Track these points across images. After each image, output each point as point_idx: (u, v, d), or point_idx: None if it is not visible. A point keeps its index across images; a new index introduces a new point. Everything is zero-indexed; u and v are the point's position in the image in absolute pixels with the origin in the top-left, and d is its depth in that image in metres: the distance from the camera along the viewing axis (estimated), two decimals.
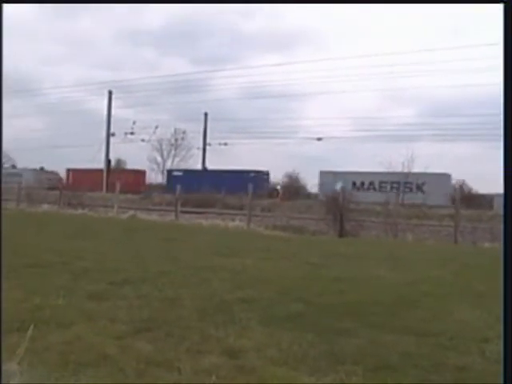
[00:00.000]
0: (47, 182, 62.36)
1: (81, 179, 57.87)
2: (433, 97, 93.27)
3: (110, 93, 67.87)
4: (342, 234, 22.41)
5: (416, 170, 45.18)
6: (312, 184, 58.29)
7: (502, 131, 3.70)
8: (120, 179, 37.07)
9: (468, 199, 42.64)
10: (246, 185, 26.11)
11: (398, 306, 7.43)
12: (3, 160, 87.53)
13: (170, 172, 67.33)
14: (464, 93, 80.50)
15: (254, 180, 41.28)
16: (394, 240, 21.26)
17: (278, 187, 58.06)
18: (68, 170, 69.40)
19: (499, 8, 3.84)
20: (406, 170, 40.35)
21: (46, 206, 31.37)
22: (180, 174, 62.49)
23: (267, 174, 60.02)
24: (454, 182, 51.92)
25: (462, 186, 53.02)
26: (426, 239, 21.88)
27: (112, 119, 68.12)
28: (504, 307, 3.46)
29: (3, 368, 3.83)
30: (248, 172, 55.54)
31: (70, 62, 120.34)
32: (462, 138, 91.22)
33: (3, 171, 74.13)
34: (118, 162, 79.47)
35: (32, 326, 4.54)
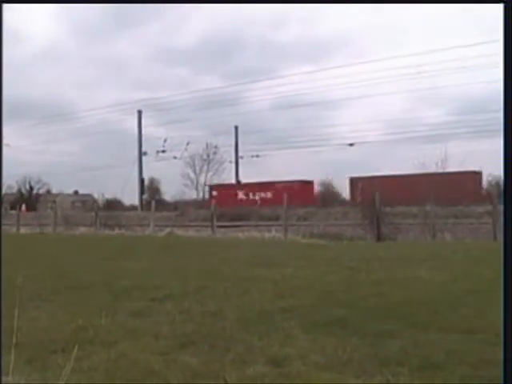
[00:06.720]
0: (82, 205, 62.77)
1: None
2: (463, 94, 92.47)
3: (140, 112, 68.21)
4: (379, 238, 22.30)
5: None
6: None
7: (502, 131, 3.70)
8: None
9: None
10: None
11: (440, 304, 7.36)
12: (38, 186, 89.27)
13: None
14: (494, 88, 79.66)
15: None
16: (432, 241, 21.08)
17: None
18: None
19: (499, 8, 3.82)
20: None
21: (82, 229, 31.66)
22: None
23: None
24: (490, 178, 51.21)
25: (498, 182, 52.29)
26: (464, 238, 21.61)
27: (144, 138, 68.25)
28: (504, 307, 3.44)
29: None
30: None
31: (104, 84, 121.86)
32: (498, 134, 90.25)
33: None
34: (152, 180, 79.97)
35: (77, 346, 4.57)
